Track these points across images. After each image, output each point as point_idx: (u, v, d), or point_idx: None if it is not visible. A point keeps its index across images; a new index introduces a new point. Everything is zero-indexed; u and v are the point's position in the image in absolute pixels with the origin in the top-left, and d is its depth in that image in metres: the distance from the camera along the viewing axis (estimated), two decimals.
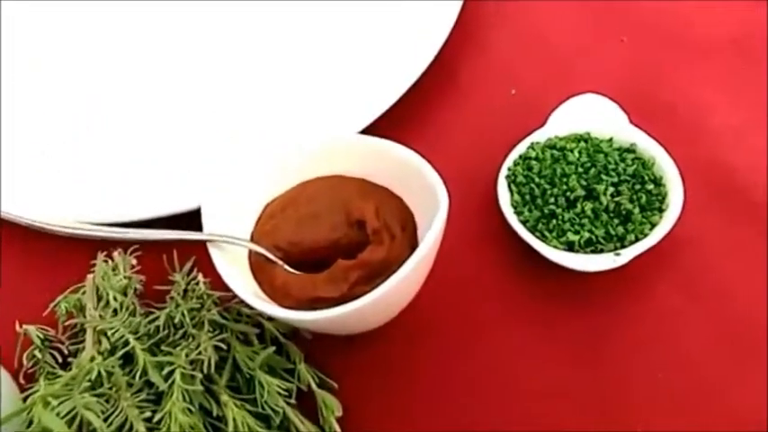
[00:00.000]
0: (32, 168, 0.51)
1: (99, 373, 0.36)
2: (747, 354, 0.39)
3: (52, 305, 0.41)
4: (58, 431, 0.32)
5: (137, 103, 0.55)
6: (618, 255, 0.39)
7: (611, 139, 0.45)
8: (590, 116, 0.46)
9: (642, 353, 0.39)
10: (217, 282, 0.41)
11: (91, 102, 0.55)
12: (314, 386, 0.38)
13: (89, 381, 0.35)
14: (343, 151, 0.42)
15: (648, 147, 0.43)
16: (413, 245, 0.40)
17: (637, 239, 0.40)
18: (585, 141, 0.44)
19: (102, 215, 0.46)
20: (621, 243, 0.40)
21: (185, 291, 0.41)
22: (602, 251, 0.40)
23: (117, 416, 0.35)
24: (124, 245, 0.43)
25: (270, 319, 0.40)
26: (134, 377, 0.37)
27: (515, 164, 0.44)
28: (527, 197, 0.43)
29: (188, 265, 0.43)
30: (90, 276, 0.41)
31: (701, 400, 0.37)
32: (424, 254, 0.35)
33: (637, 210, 0.41)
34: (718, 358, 0.39)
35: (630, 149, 0.44)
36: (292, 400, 0.37)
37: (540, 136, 0.46)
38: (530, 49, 0.56)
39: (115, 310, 0.39)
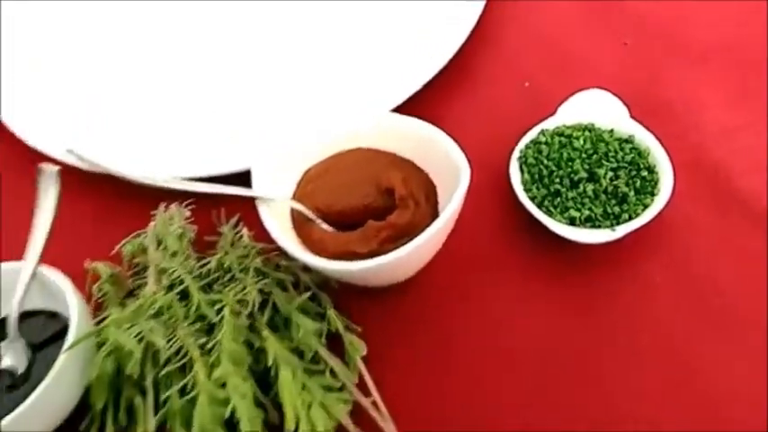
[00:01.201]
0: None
1: (160, 305, 0.40)
2: (725, 331, 0.42)
3: (118, 246, 0.45)
4: (129, 347, 0.37)
5: (197, 82, 0.59)
6: (614, 230, 0.43)
7: (612, 130, 0.48)
8: (595, 109, 0.49)
9: (629, 319, 0.43)
10: (259, 236, 0.45)
11: (152, 81, 0.59)
12: (341, 329, 0.42)
13: (152, 311, 0.40)
14: (376, 127, 0.46)
15: (645, 138, 0.47)
16: (434, 214, 0.43)
17: (630, 218, 0.44)
18: (590, 131, 0.48)
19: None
20: (617, 221, 0.44)
21: (232, 242, 0.45)
22: (599, 227, 0.44)
23: (175, 341, 0.39)
24: (180, 199, 0.47)
25: (304, 270, 0.44)
26: (189, 311, 0.41)
27: (527, 147, 0.48)
28: (536, 177, 0.46)
29: (233, 220, 0.47)
30: (152, 223, 0.45)
31: (678, 368, 0.41)
32: (447, 219, 0.39)
33: (632, 192, 0.44)
34: (695, 331, 0.42)
35: (629, 140, 0.47)
36: (323, 340, 0.41)
37: (549, 124, 0.49)
38: (542, 48, 0.60)
39: (173, 253, 0.43)
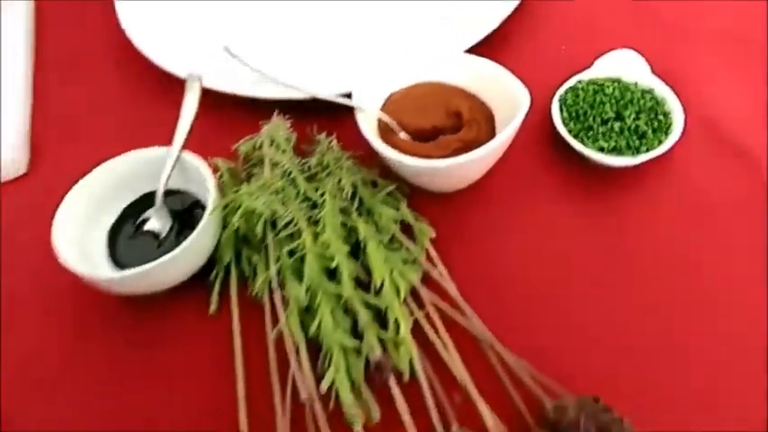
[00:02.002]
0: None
1: (275, 187, 0.49)
2: (721, 243, 0.50)
3: (237, 145, 0.54)
4: (259, 210, 0.46)
5: (314, 25, 0.70)
6: (634, 157, 0.52)
7: (636, 83, 0.57)
8: (623, 65, 0.59)
9: (641, 227, 0.52)
10: (346, 145, 0.54)
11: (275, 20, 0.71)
12: (412, 220, 0.51)
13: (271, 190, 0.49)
14: (449, 64, 0.55)
15: (662, 90, 0.56)
16: (492, 138, 0.52)
17: (648, 150, 0.53)
18: (618, 82, 0.57)
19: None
20: (637, 151, 0.53)
21: (327, 147, 0.54)
22: (623, 155, 0.53)
23: (287, 214, 0.48)
24: (284, 110, 0.56)
25: (380, 176, 0.53)
26: (297, 193, 0.50)
27: (566, 92, 0.57)
28: (573, 115, 0.55)
29: (324, 132, 0.56)
30: (266, 127, 0.54)
31: (676, 273, 0.49)
32: (508, 133, 0.48)
33: (650, 131, 0.54)
34: (694, 242, 0.51)
35: (649, 91, 0.56)
36: (398, 226, 0.51)
37: (585, 75, 0.58)
38: (578, 23, 0.69)
39: (283, 151, 0.52)
